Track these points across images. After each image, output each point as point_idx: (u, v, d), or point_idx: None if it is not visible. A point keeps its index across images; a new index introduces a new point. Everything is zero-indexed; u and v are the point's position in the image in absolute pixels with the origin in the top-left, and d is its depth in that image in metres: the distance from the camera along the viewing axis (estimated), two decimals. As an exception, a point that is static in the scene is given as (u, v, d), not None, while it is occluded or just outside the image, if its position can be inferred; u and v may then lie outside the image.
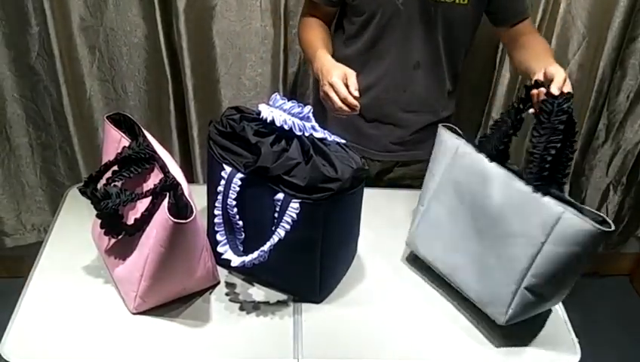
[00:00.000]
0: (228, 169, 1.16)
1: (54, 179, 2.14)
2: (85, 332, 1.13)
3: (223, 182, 1.16)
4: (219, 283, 1.26)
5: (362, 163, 1.15)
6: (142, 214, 1.11)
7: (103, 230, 1.14)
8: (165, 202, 1.05)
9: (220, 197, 1.17)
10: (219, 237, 1.19)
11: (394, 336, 1.18)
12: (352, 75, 1.32)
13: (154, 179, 1.13)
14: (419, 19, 1.48)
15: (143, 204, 1.12)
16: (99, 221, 1.12)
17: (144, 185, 1.16)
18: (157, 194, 1.08)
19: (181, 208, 1.06)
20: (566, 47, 1.97)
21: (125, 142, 1.18)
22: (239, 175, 1.15)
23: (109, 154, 1.20)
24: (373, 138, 1.67)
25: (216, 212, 1.18)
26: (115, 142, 1.21)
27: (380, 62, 1.56)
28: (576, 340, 1.20)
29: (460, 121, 2.10)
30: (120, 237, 1.16)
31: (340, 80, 1.31)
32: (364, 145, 1.67)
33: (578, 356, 1.17)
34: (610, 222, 1.03)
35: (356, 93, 1.30)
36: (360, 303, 1.25)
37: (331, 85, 1.32)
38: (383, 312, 1.23)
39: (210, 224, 1.22)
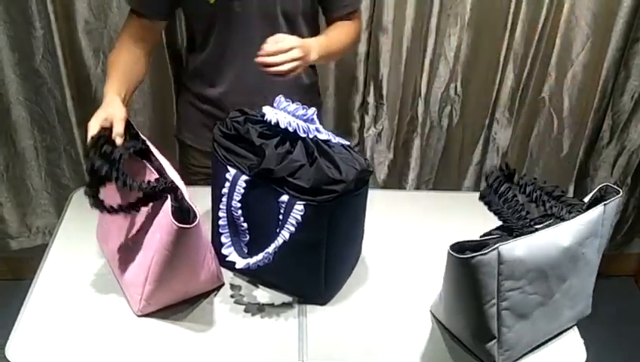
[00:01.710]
0: (232, 171, 1.16)
1: (59, 182, 2.14)
2: (90, 334, 1.13)
3: (227, 184, 1.16)
4: (223, 284, 1.26)
5: (367, 164, 1.15)
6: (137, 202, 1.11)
7: (91, 197, 1.11)
8: (168, 206, 1.05)
9: (224, 199, 1.17)
10: (223, 239, 1.19)
11: (399, 338, 1.18)
12: (118, 122, 1.17)
13: (150, 178, 1.14)
14: (260, 20, 1.43)
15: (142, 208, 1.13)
16: (105, 221, 1.12)
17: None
18: (155, 196, 1.08)
19: (184, 212, 1.06)
20: (570, 48, 1.97)
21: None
22: (244, 177, 1.15)
23: None
24: None
25: (220, 214, 1.19)
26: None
27: (231, 68, 1.50)
28: (581, 341, 1.20)
29: (464, 123, 2.12)
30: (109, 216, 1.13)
31: (98, 122, 1.17)
32: None
33: (584, 356, 1.17)
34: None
35: (118, 140, 1.16)
36: (365, 304, 1.25)
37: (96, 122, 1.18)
38: (387, 314, 1.23)
39: (215, 226, 1.22)
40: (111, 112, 1.18)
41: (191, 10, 1.47)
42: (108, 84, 1.32)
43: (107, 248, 1.25)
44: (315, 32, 1.55)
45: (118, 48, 1.42)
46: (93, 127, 1.17)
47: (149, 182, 1.08)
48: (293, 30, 1.46)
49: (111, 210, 1.11)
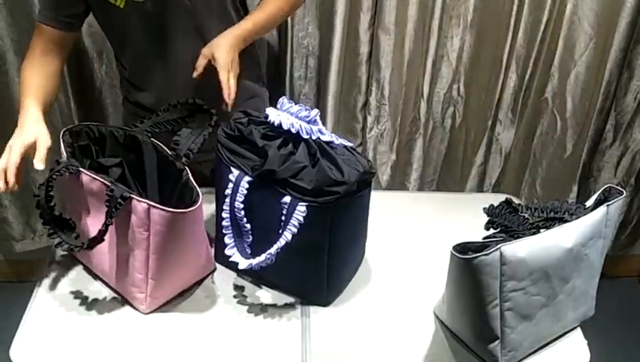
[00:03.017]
0: (236, 172, 1.17)
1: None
2: (94, 336, 1.14)
3: (230, 185, 1.17)
4: (215, 269, 1.29)
5: (369, 166, 1.15)
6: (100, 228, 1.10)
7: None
8: (143, 202, 1.06)
9: (227, 200, 1.18)
10: (227, 239, 1.20)
11: (402, 339, 1.18)
12: (42, 146, 1.17)
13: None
14: (175, 15, 1.37)
15: (99, 218, 1.12)
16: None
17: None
18: (116, 207, 1.08)
19: (188, 192, 1.12)
20: (573, 49, 1.96)
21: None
22: (247, 178, 1.15)
23: None
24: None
25: (224, 215, 1.19)
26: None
27: (158, 73, 1.46)
28: (585, 342, 1.20)
29: (467, 124, 2.11)
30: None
31: (21, 147, 1.17)
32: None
33: (587, 357, 1.17)
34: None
35: (38, 166, 1.16)
36: (368, 306, 1.25)
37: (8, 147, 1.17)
38: (391, 315, 1.23)
39: (218, 227, 1.23)
40: (34, 137, 1.20)
41: (103, 19, 1.41)
42: (27, 100, 1.28)
43: (92, 262, 1.25)
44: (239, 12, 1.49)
45: (30, 62, 1.36)
46: (15, 153, 1.16)
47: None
48: (209, 26, 1.40)
49: (89, 244, 1.11)
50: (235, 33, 1.35)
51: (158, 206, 1.06)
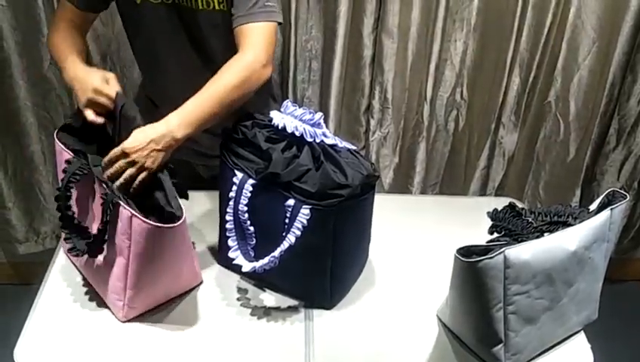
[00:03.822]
0: (239, 175, 1.17)
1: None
2: (97, 338, 1.14)
3: (234, 188, 1.17)
4: (202, 282, 1.27)
5: (373, 169, 1.15)
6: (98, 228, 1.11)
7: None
8: (130, 211, 1.06)
9: (231, 203, 1.18)
10: (230, 242, 1.20)
11: (405, 342, 1.18)
12: (112, 76, 1.22)
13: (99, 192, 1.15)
14: (181, 26, 1.35)
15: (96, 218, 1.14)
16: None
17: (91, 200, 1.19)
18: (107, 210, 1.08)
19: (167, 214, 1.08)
20: (576, 52, 1.96)
21: (66, 155, 1.19)
22: (251, 181, 1.16)
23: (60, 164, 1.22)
24: (202, 145, 1.53)
25: (227, 218, 1.19)
26: (59, 154, 1.22)
27: (161, 72, 1.46)
28: (588, 345, 1.20)
29: (470, 127, 2.12)
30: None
31: (101, 84, 1.19)
32: (195, 151, 1.57)
33: (591, 361, 1.16)
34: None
35: (115, 92, 1.19)
36: (371, 309, 1.25)
37: (95, 91, 1.19)
38: (394, 318, 1.23)
39: (222, 229, 1.23)
40: (101, 73, 1.21)
41: (122, 9, 1.40)
42: (69, 59, 1.28)
43: (79, 262, 1.26)
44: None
45: (56, 33, 1.36)
46: (102, 88, 1.18)
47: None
48: (215, 41, 1.36)
49: (96, 245, 1.13)
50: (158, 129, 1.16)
51: (140, 217, 1.04)
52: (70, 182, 1.12)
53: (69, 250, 1.15)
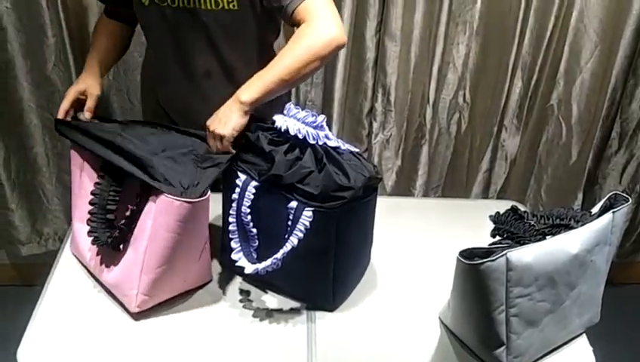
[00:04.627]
0: (242, 177, 1.17)
1: (70, 188, 2.15)
2: (101, 339, 1.14)
3: (237, 190, 1.17)
4: (211, 280, 1.29)
5: (375, 172, 1.16)
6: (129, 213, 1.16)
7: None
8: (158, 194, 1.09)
9: (234, 205, 1.18)
10: (233, 244, 1.20)
11: (407, 344, 1.18)
12: (92, 97, 1.35)
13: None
14: (190, 28, 1.36)
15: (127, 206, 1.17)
16: (79, 232, 1.22)
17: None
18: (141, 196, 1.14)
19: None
20: (578, 56, 1.97)
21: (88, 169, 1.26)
22: (253, 183, 1.16)
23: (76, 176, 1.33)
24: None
25: (230, 219, 1.19)
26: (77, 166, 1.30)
27: (166, 71, 1.49)
28: (590, 348, 1.20)
29: (473, 130, 2.12)
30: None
31: (73, 93, 1.35)
32: None
33: (593, 364, 1.17)
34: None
35: (84, 116, 1.33)
36: (374, 311, 1.25)
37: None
38: (396, 320, 1.23)
39: (225, 231, 1.23)
40: (84, 87, 1.35)
41: (136, 7, 1.41)
42: (89, 57, 1.43)
43: (87, 257, 1.26)
44: (264, 49, 1.43)
45: (98, 24, 1.51)
46: (66, 98, 1.33)
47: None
48: (232, 45, 1.38)
49: (124, 234, 1.16)
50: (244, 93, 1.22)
51: (164, 191, 1.08)
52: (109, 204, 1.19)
53: (93, 241, 1.17)
